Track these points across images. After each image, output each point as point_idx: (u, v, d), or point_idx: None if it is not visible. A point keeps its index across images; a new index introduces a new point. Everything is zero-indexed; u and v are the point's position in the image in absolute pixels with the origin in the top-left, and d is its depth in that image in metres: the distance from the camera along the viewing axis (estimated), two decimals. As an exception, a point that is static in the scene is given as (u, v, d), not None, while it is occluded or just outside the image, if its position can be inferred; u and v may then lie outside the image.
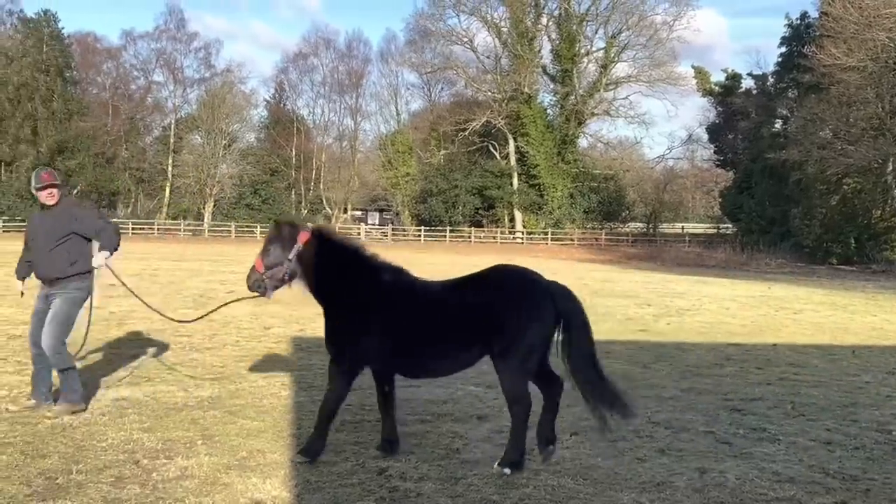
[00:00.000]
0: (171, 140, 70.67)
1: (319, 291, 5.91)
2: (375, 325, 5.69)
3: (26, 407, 6.89)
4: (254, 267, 5.96)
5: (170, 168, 69.86)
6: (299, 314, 14.45)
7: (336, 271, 5.82)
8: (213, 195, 69.22)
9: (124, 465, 5.50)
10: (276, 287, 5.97)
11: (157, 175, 71.77)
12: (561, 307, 5.64)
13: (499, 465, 5.54)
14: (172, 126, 71.79)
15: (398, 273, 5.88)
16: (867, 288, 27.63)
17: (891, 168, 43.22)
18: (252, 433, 6.40)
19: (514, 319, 5.50)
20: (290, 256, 5.78)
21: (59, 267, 6.87)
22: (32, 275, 7.11)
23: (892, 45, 39.53)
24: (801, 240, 47.94)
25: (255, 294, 6.08)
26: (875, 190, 46.19)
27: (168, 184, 70.56)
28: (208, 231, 63.77)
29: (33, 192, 6.93)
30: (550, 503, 4.99)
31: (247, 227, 63.82)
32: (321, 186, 76.02)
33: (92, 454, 5.70)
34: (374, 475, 5.43)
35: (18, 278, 7.26)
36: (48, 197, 6.85)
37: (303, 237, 5.81)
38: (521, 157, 64.32)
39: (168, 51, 74.21)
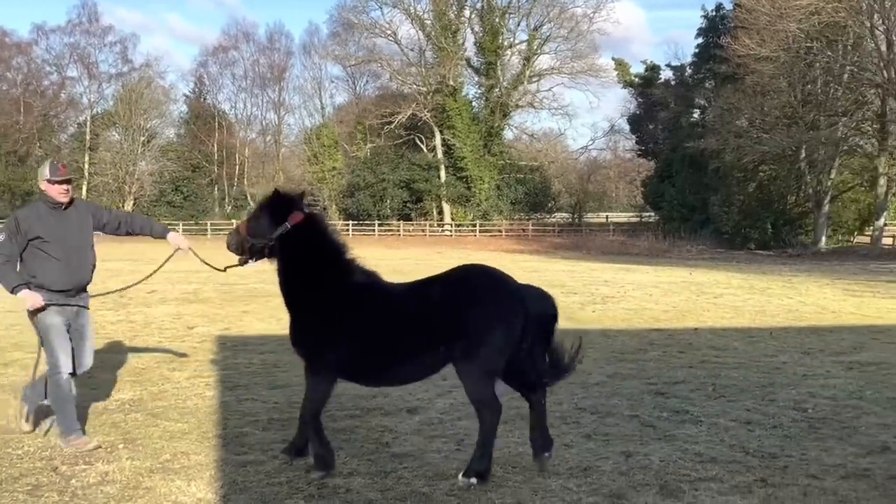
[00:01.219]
0: (88, 137, 68.45)
1: (291, 280, 5.50)
2: (341, 328, 5.33)
3: (89, 450, 5.76)
4: (237, 228, 5.64)
5: (86, 166, 67.63)
6: (224, 312, 14.22)
7: (315, 266, 5.43)
8: (132, 193, 67.40)
9: (41, 472, 5.31)
10: (256, 259, 5.60)
11: (73, 173, 68.98)
12: (533, 311, 5.29)
13: (463, 475, 5.16)
14: (88, 123, 69.49)
15: (369, 275, 5.53)
16: (783, 271, 28.60)
17: (804, 155, 44.78)
18: (175, 435, 6.25)
19: (478, 320, 5.16)
20: (274, 235, 5.39)
21: (90, 272, 6.13)
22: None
23: (802, 35, 40.91)
24: (721, 226, 49.30)
25: (235, 253, 5.69)
26: (789, 176, 47.80)
27: (85, 182, 68.29)
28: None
29: (43, 184, 5.93)
30: (479, 492, 5.01)
31: (168, 224, 62.37)
32: (245, 182, 74.76)
33: (7, 463, 5.49)
34: (302, 473, 5.37)
35: (15, 287, 5.78)
36: (65, 193, 5.97)
37: (296, 217, 5.41)
38: (448, 149, 64.45)
39: (82, 45, 71.75)
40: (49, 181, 5.90)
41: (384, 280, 5.59)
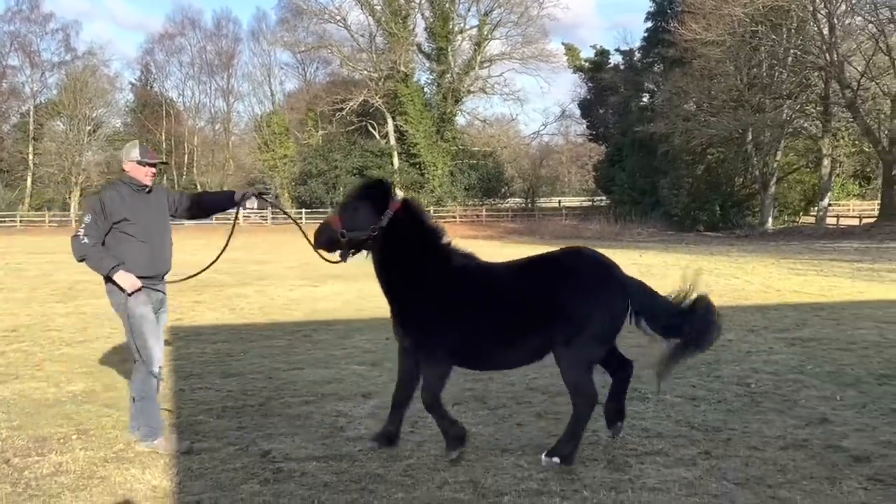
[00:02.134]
0: (31, 127, 66.80)
1: (391, 270, 5.37)
2: (446, 313, 5.26)
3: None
4: (329, 222, 5.39)
5: (30, 157, 66.09)
6: (176, 303, 14.07)
7: (416, 253, 5.31)
8: (79, 184, 66.02)
9: (-8, 465, 5.28)
10: (354, 253, 5.40)
11: (16, 165, 67.70)
12: (636, 303, 5.29)
13: (547, 455, 5.19)
14: (31, 112, 67.79)
15: (468, 258, 5.46)
16: (731, 252, 29.20)
17: (750, 138, 45.63)
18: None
19: (585, 308, 5.10)
20: (379, 224, 5.22)
21: (170, 258, 5.95)
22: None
23: (747, 19, 41.61)
24: (671, 209, 50.02)
25: (325, 250, 5.46)
26: (737, 159, 48.65)
27: (30, 173, 66.81)
28: (75, 221, 60.86)
29: (129, 165, 5.67)
30: (432, 471, 5.11)
31: (118, 215, 61.39)
32: (195, 171, 73.89)
33: (-44, 457, 5.44)
34: (257, 458, 5.41)
35: (114, 267, 5.50)
36: (152, 177, 5.75)
37: (394, 205, 5.27)
38: (401, 136, 64.30)
39: (23, 33, 69.94)
40: (139, 162, 5.66)
41: (483, 261, 5.53)
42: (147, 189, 5.75)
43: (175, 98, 76.89)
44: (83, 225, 5.56)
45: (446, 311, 5.27)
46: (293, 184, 68.53)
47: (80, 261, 5.62)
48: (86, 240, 5.53)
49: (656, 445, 5.63)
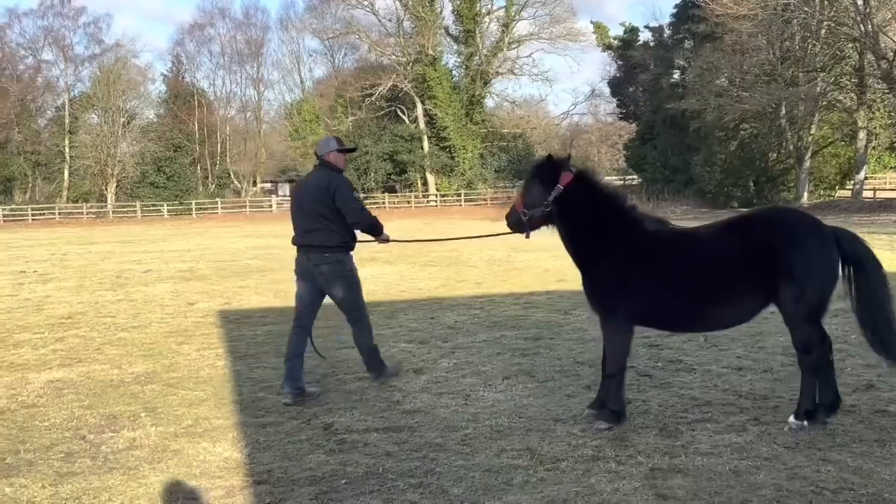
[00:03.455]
0: (67, 120, 67.84)
1: (576, 240, 5.63)
2: (643, 278, 5.39)
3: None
4: (514, 206, 5.82)
5: (67, 150, 67.14)
6: (222, 288, 14.44)
7: (598, 221, 5.52)
8: (114, 175, 67.00)
9: (71, 441, 5.56)
10: (535, 228, 5.80)
11: (54, 158, 68.88)
12: (848, 250, 5.25)
13: (794, 418, 5.33)
14: (66, 106, 68.83)
15: (660, 223, 5.63)
16: (766, 228, 28.95)
17: (784, 112, 45.10)
18: (194, 403, 6.51)
19: (803, 264, 5.14)
20: (549, 199, 5.52)
21: None
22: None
23: (779, -9, 41.05)
24: (704, 186, 49.67)
25: (515, 231, 6.02)
26: (770, 134, 48.12)
27: (66, 166, 67.87)
28: (112, 212, 61.85)
29: (332, 155, 6.82)
30: (489, 440, 5.30)
31: (153, 206, 62.17)
32: (227, 160, 74.46)
33: (36, 434, 5.73)
34: (320, 431, 5.64)
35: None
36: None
37: (565, 178, 5.50)
38: (430, 119, 64.37)
39: (55, 27, 70.96)
40: (339, 150, 6.84)
41: (674, 225, 5.69)
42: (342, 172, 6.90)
43: (206, 88, 77.46)
44: (357, 199, 6.79)
45: (639, 274, 5.40)
46: (324, 170, 68.85)
47: (370, 224, 6.81)
48: (366, 208, 6.94)
49: (706, 413, 5.77)
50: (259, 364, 7.91)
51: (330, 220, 6.57)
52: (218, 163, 74.01)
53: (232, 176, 74.86)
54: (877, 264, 5.29)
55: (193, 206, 62.85)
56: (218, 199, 66.47)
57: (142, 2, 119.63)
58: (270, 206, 66.91)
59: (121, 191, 67.82)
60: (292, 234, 6.88)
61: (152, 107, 75.50)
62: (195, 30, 77.46)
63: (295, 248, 6.91)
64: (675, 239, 5.55)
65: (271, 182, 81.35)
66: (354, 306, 6.95)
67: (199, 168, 73.53)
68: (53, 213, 59.44)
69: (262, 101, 79.72)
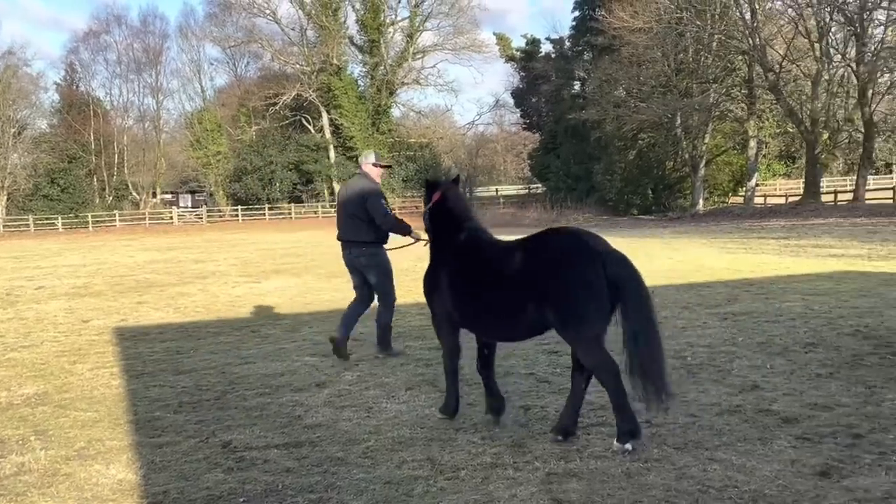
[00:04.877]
0: (-48, 131, 64.65)
1: (431, 245, 6.39)
2: (446, 279, 5.90)
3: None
4: None
5: (-48, 161, 63.98)
6: (118, 304, 14.03)
7: (439, 230, 6.22)
8: (5, 188, 64.18)
9: (-47, 469, 5.30)
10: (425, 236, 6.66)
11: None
12: (611, 274, 5.07)
13: (618, 442, 5.21)
14: (-49, 116, 65.61)
15: (475, 232, 5.98)
16: (664, 234, 30.00)
17: (679, 122, 46.79)
18: (87, 424, 6.29)
19: (561, 287, 5.14)
20: (426, 212, 6.33)
21: None
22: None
23: (672, 6, 42.62)
24: (605, 194, 51.01)
25: (416, 240, 7.74)
26: (667, 143, 49.87)
27: (-48, 178, 64.64)
28: (3, 226, 59.22)
29: (368, 167, 8.46)
30: (391, 452, 5.32)
31: (46, 219, 59.85)
32: (125, 171, 72.26)
33: (-86, 463, 5.44)
34: (218, 449, 5.55)
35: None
36: (380, 176, 8.58)
37: (436, 196, 6.20)
38: (336, 129, 64.11)
39: (-63, 33, 67.50)
40: (375, 164, 8.46)
41: (489, 237, 5.97)
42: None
43: (102, 97, 75.04)
44: (383, 205, 8.20)
45: (447, 278, 5.91)
46: (227, 181, 67.74)
47: (392, 226, 8.17)
48: (390, 214, 8.30)
49: (601, 417, 5.94)
50: (156, 382, 7.71)
51: (363, 221, 8.13)
52: (115, 174, 71.74)
53: (130, 187, 72.68)
54: (637, 288, 5.17)
55: (90, 219, 60.78)
56: (116, 212, 64.47)
57: (29, 7, 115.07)
58: (171, 217, 65.25)
59: (12, 204, 65.00)
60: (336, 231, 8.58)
61: (45, 116, 72.75)
62: (90, 37, 75.06)
63: (339, 243, 8.55)
64: (477, 249, 5.85)
65: (172, 193, 79.33)
66: (384, 290, 8.43)
67: (95, 180, 71.10)
68: (-62, 228, 56.50)
69: (162, 110, 77.77)
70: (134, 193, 72.92)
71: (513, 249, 5.55)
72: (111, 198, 70.39)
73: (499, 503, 4.40)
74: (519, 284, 5.34)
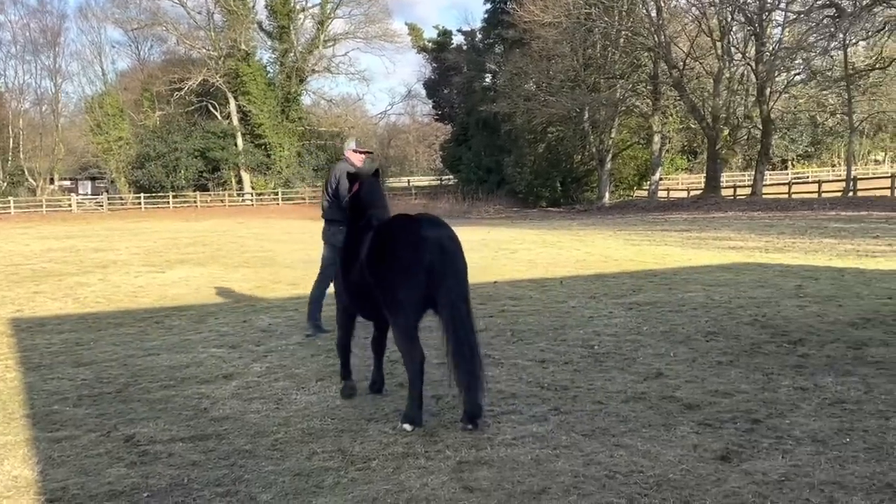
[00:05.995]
0: None
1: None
2: (339, 262, 6.34)
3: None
4: None
5: None
6: (13, 295, 13.43)
7: (350, 216, 6.40)
8: None
9: None
10: None
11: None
12: (427, 260, 5.28)
13: (401, 422, 5.51)
14: None
15: (371, 218, 6.06)
16: (572, 226, 30.57)
17: (587, 116, 47.73)
18: (-22, 420, 6.00)
19: (383, 271, 5.46)
20: (344, 201, 6.99)
21: None
22: None
23: (581, 1, 43.36)
24: (515, 186, 51.64)
25: None
26: (575, 137, 50.83)
27: None
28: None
29: (349, 152, 8.88)
30: (300, 444, 5.25)
31: (-65, 205, 56.76)
32: (21, 156, 69.09)
33: None
34: (120, 443, 5.37)
35: None
36: (361, 161, 8.88)
37: (355, 186, 6.40)
38: (244, 116, 62.85)
39: None
40: (355, 151, 8.87)
41: (377, 222, 5.96)
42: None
43: (-5, 78, 71.54)
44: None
45: (341, 262, 6.32)
46: (130, 168, 65.56)
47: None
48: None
49: (511, 405, 6.01)
50: (54, 375, 7.40)
51: (338, 200, 8.46)
52: (10, 159, 68.52)
53: (26, 173, 69.58)
54: (454, 280, 5.40)
55: (-18, 206, 57.89)
56: (10, 199, 61.58)
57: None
58: (70, 205, 62.79)
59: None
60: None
61: (-69, 99, 68.73)
62: (-18, 15, 71.31)
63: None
64: (361, 231, 6.01)
65: (70, 180, 76.31)
66: (330, 262, 8.78)
67: (-11, 164, 67.73)
68: None
69: (60, 93, 74.64)
70: (30, 179, 69.83)
71: (370, 232, 5.82)
72: (6, 184, 67.24)
73: (410, 492, 4.40)
74: (365, 266, 5.65)
